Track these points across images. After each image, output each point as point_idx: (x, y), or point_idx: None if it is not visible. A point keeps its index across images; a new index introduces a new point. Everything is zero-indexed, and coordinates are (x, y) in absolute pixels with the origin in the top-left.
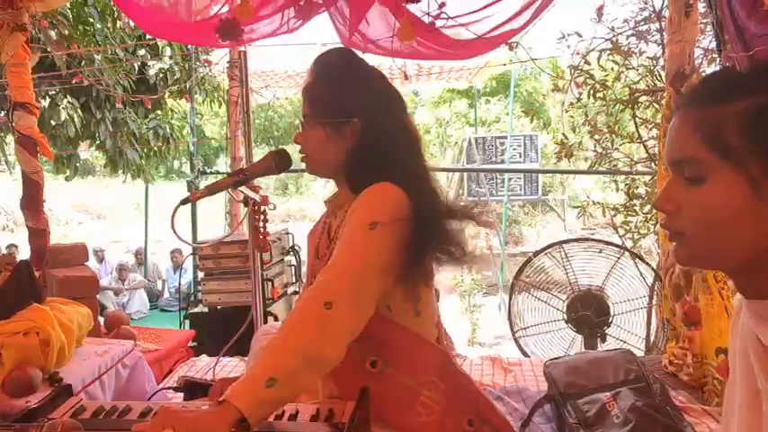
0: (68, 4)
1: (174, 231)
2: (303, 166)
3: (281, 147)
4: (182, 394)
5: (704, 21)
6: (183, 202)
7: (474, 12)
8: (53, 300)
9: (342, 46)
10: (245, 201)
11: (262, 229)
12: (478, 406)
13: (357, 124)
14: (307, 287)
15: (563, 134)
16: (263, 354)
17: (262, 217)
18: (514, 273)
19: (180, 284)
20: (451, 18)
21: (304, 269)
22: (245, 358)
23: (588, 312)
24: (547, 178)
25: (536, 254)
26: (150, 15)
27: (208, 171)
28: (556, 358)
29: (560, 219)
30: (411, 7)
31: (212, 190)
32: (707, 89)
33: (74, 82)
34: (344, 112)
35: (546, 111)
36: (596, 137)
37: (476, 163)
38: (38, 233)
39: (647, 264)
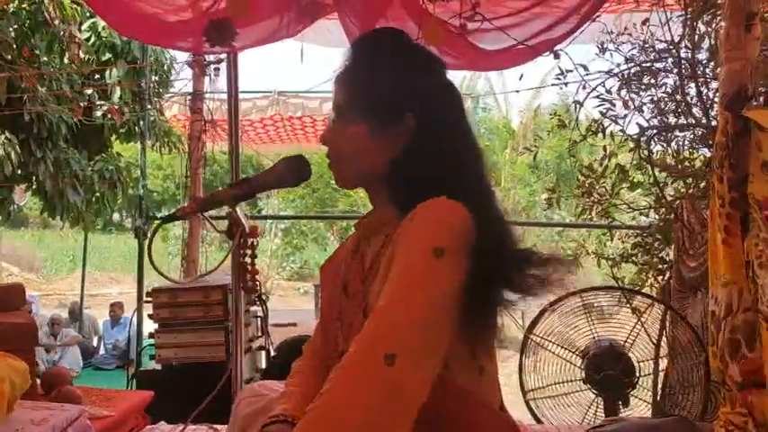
0: (13, 33)
1: (151, 261)
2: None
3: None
4: None
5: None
6: (169, 218)
7: (514, 14)
8: None
9: (394, 27)
10: (230, 231)
11: (249, 266)
12: None
13: (411, 122)
14: (336, 335)
15: (557, 180)
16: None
17: (249, 252)
18: (513, 329)
19: (124, 339)
20: (487, 20)
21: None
22: (217, 426)
23: (613, 371)
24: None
25: (552, 304)
26: (123, 11)
27: (157, 217)
28: (599, 426)
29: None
30: (439, 9)
31: (208, 203)
32: None
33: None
34: (394, 105)
35: (498, 170)
36: (592, 180)
37: None
38: None
39: (678, 315)
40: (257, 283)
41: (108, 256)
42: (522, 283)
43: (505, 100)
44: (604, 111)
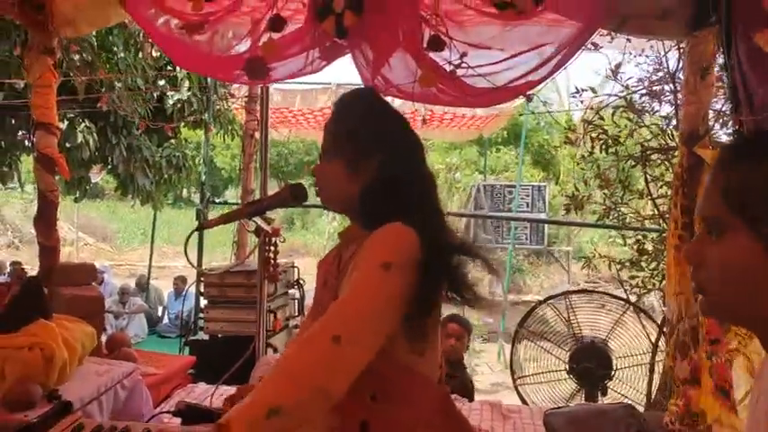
0: (94, 33)
1: (187, 257)
2: (317, 200)
3: (297, 181)
4: (179, 419)
5: (718, 84)
6: (197, 229)
7: (494, 63)
8: (59, 317)
9: (367, 86)
10: (257, 231)
11: (272, 261)
12: None
13: (374, 162)
14: (312, 314)
15: (575, 186)
16: (267, 380)
17: (272, 248)
18: (517, 321)
19: (182, 311)
20: (472, 68)
21: (309, 300)
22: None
23: (591, 365)
24: (552, 230)
25: (541, 303)
26: (179, 47)
27: (217, 201)
28: (556, 408)
29: (564, 270)
30: (433, 55)
31: (227, 219)
32: (732, 152)
33: (98, 106)
34: (364, 149)
35: (556, 163)
36: (606, 191)
37: (484, 210)
38: (49, 250)
39: (653, 319)
40: (278, 272)
41: (176, 229)
42: (461, 295)
43: (567, 93)
44: (603, 131)
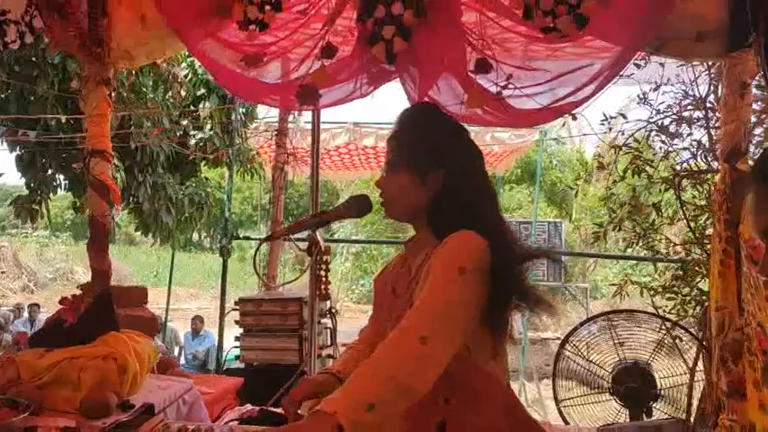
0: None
1: (256, 269)
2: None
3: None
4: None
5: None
6: (266, 239)
7: (539, 84)
8: (125, 331)
9: (428, 101)
10: (309, 250)
11: (324, 279)
12: None
13: (441, 173)
14: (373, 321)
15: (597, 217)
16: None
17: (324, 267)
18: (536, 359)
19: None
20: (518, 89)
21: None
22: None
23: (636, 384)
24: (569, 267)
25: (583, 323)
26: (232, 77)
27: (240, 237)
28: (609, 424)
29: (582, 306)
30: (480, 78)
31: (294, 229)
32: None
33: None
34: (430, 161)
35: (569, 201)
36: (636, 217)
37: None
38: (101, 274)
39: (695, 336)
40: (329, 292)
41: (188, 273)
42: (526, 300)
43: (579, 132)
44: (638, 155)
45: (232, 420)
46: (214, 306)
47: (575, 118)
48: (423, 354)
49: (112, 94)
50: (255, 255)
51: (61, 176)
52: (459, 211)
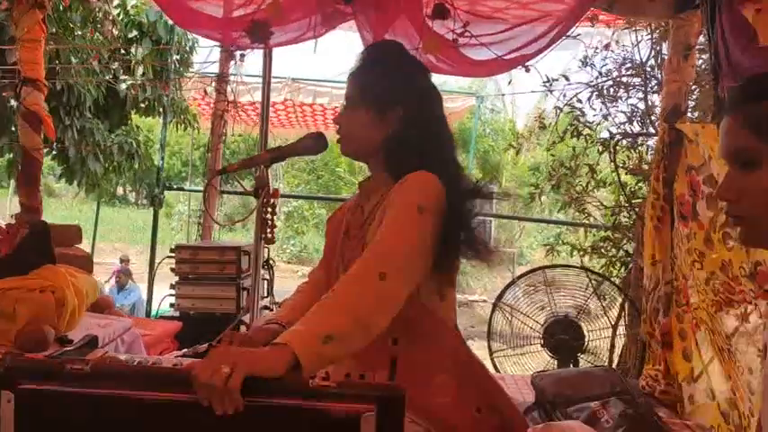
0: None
1: (206, 208)
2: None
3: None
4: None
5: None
6: (220, 172)
7: (495, 33)
8: (62, 266)
9: (393, 39)
10: (257, 192)
11: (270, 222)
12: (489, 392)
13: (400, 111)
14: (323, 265)
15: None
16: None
17: (270, 210)
18: (465, 320)
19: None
20: (474, 37)
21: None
22: None
23: (566, 336)
24: (497, 233)
25: (519, 277)
26: (181, 8)
27: (174, 187)
28: (543, 371)
29: (509, 271)
30: (436, 25)
31: (248, 164)
32: (748, 91)
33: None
34: (390, 98)
35: (501, 169)
36: (571, 179)
37: None
38: (31, 210)
39: (621, 290)
40: (274, 236)
41: (113, 228)
42: (473, 244)
43: (513, 103)
44: (578, 116)
45: (186, 355)
46: (140, 262)
47: (528, 70)
48: (382, 289)
49: (46, 20)
50: (205, 192)
51: None
52: (416, 150)
